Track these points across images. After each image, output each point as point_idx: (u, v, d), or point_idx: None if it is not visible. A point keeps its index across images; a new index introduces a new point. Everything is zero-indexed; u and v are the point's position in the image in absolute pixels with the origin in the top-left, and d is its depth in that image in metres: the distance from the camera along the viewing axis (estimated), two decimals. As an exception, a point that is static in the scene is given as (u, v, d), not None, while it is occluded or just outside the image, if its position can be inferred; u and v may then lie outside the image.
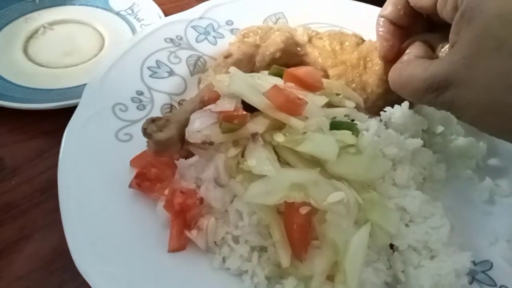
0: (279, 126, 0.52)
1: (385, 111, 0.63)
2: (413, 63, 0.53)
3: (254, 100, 0.52)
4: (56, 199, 0.54)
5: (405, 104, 0.63)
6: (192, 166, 0.56)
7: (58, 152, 0.58)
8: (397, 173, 0.56)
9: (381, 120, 0.63)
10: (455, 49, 0.46)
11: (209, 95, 0.58)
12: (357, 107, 0.63)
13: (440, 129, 0.66)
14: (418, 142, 0.59)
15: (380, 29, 0.62)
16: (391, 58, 0.62)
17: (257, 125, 0.50)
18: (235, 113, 0.51)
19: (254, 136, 0.50)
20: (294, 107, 0.51)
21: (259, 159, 0.49)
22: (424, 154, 0.60)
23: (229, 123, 0.50)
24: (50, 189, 0.62)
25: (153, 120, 0.55)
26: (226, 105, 0.52)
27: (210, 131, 0.51)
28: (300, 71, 0.59)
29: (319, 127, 0.51)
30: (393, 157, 0.57)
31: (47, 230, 0.59)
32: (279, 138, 0.50)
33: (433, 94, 0.47)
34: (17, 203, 0.62)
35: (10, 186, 0.63)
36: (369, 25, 0.83)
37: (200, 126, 0.52)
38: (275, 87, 0.52)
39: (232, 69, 0.62)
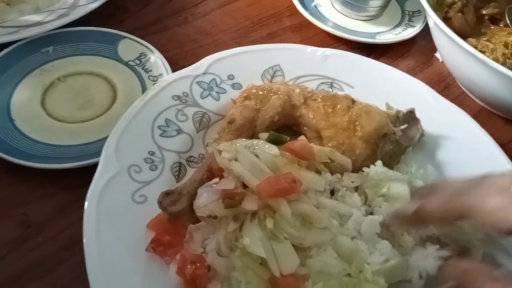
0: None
1: (363, 171, 0.71)
2: None
3: (251, 184, 0.59)
4: (79, 254, 0.61)
5: (379, 162, 0.72)
6: (200, 230, 0.63)
7: (78, 208, 0.65)
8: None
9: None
10: None
11: (215, 164, 0.65)
12: (345, 169, 0.70)
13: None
14: None
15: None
16: None
17: (251, 203, 0.58)
18: (235, 191, 0.59)
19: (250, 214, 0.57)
20: (288, 191, 0.58)
21: (252, 238, 0.56)
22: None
23: (230, 200, 0.58)
24: (73, 245, 0.67)
25: (167, 194, 0.63)
26: (228, 183, 0.60)
27: (214, 206, 0.59)
28: (296, 145, 0.66)
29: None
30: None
31: (73, 286, 0.65)
32: (269, 224, 0.58)
33: None
34: (44, 260, 0.68)
35: (37, 243, 0.69)
36: (361, 75, 0.90)
37: (206, 201, 0.60)
38: (266, 181, 0.59)
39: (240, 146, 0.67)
